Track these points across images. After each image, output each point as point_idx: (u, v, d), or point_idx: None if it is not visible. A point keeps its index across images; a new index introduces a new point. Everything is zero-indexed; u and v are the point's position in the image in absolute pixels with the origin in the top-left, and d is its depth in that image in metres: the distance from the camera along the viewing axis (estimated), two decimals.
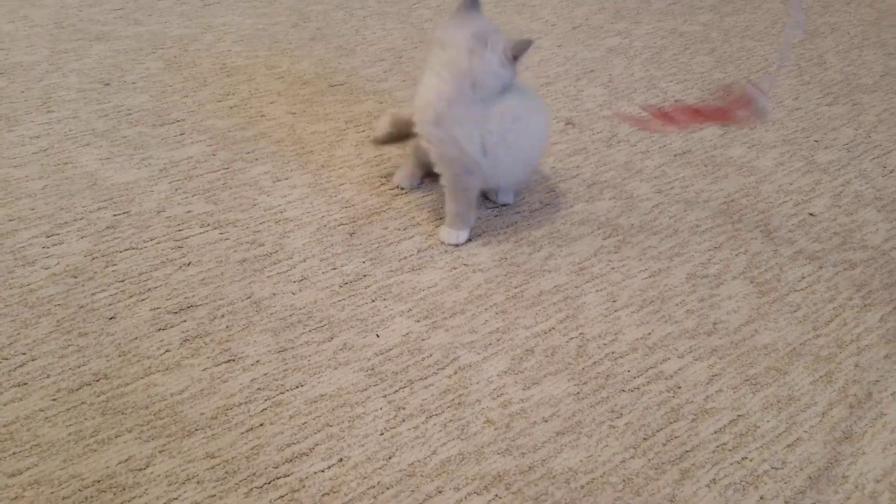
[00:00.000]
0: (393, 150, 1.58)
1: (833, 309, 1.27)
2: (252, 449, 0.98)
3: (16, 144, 1.52)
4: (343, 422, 1.03)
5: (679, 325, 1.22)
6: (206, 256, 1.28)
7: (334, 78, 1.85)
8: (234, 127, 1.63)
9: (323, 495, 0.94)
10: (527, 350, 1.16)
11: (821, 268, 1.36)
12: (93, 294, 1.19)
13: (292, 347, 1.13)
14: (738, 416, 1.08)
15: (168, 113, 1.66)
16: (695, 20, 2.31)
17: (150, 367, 1.08)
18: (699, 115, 1.25)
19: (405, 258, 1.31)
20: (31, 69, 1.78)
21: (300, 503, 0.93)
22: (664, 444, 1.03)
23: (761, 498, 0.97)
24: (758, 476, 1.00)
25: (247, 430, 1.01)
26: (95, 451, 0.96)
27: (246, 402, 1.04)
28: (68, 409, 1.01)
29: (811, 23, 2.34)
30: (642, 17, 2.31)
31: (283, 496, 0.93)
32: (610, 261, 1.34)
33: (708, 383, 1.12)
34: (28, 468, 0.94)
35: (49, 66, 1.79)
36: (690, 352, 1.17)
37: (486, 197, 1.45)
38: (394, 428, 1.03)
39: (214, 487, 0.93)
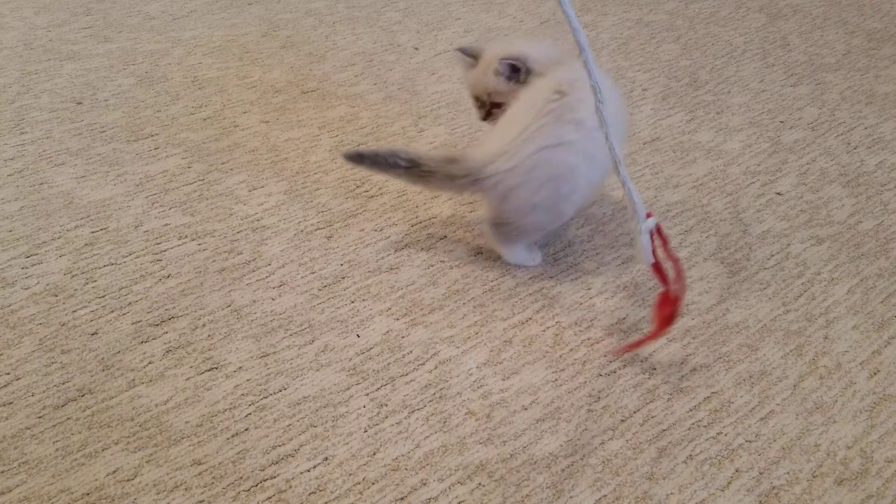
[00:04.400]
0: None
1: (802, 284, 1.30)
2: (238, 453, 1.00)
3: None
4: (327, 422, 1.05)
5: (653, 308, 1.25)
6: (185, 268, 1.29)
7: (306, 85, 1.87)
8: (208, 139, 1.64)
9: (310, 494, 0.96)
10: (505, 341, 1.18)
11: (789, 245, 1.39)
12: (74, 311, 1.20)
13: (274, 352, 1.15)
14: (712, 393, 1.11)
15: (142, 128, 1.67)
16: (660, 9, 2.34)
17: (133, 380, 1.09)
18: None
19: (382, 258, 1.33)
20: (2, 92, 1.78)
21: (287, 503, 0.95)
22: (641, 425, 1.06)
23: (737, 471, 1.00)
24: (733, 450, 1.03)
25: (232, 436, 1.02)
26: (83, 464, 0.98)
27: (230, 409, 1.06)
28: (54, 426, 1.03)
29: (774, 5, 2.38)
30: (608, 8, 2.34)
31: (270, 497, 0.95)
32: (584, 250, 1.37)
33: (682, 363, 1.15)
34: (17, 486, 0.95)
35: (20, 88, 1.80)
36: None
37: None
38: (377, 425, 1.05)
39: (202, 493, 0.95)
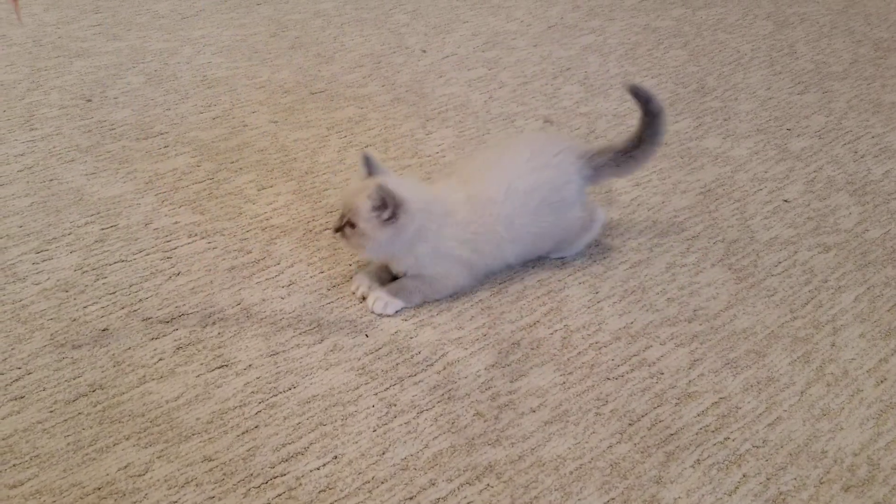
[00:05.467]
0: (376, 154, 1.60)
1: (809, 291, 1.31)
2: (248, 450, 1.01)
3: (0, 163, 1.53)
4: (336, 420, 1.05)
5: (660, 313, 1.25)
6: (195, 266, 1.30)
7: (315, 85, 1.87)
8: (218, 138, 1.65)
9: (319, 492, 0.96)
10: (513, 343, 1.19)
11: (796, 252, 1.40)
12: (84, 307, 1.21)
13: (284, 351, 1.15)
14: (720, 398, 1.11)
15: (151, 126, 1.68)
16: (667, 15, 2.35)
17: (144, 376, 1.10)
18: None
19: None
20: (12, 88, 1.79)
21: (298, 500, 0.95)
22: (649, 429, 1.06)
23: (744, 476, 1.01)
24: (740, 455, 1.03)
25: (242, 433, 1.03)
26: (94, 459, 0.98)
27: (240, 406, 1.06)
28: (66, 420, 1.03)
29: (781, 13, 2.39)
30: (616, 13, 2.34)
31: (280, 494, 0.96)
32: (591, 254, 1.37)
33: (690, 368, 1.16)
34: (29, 479, 0.96)
35: (30, 84, 1.81)
36: (672, 339, 1.21)
37: None
38: (386, 424, 1.05)
39: (213, 489, 0.96)
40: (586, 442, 1.04)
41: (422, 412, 1.07)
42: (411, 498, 0.96)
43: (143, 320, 1.19)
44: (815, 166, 1.65)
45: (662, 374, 1.15)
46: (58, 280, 1.25)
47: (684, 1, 2.45)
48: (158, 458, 0.99)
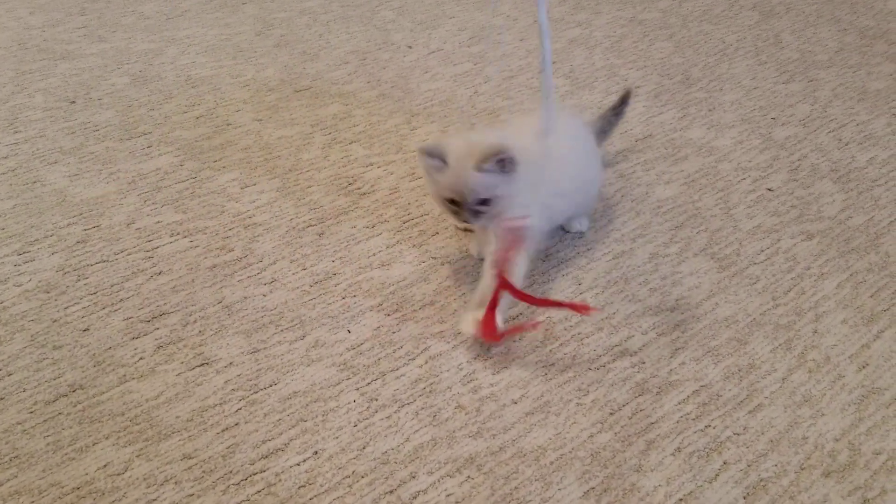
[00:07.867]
0: (360, 150, 1.61)
1: (791, 279, 1.31)
2: (228, 448, 1.01)
3: None
4: (317, 416, 1.05)
5: (642, 303, 1.25)
6: (176, 264, 1.30)
7: (299, 83, 1.87)
8: (201, 137, 1.65)
9: (299, 487, 0.96)
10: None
11: (779, 240, 1.39)
12: (66, 308, 1.21)
13: (265, 348, 1.15)
14: (701, 386, 1.11)
15: (135, 127, 1.67)
16: (653, 7, 2.35)
17: (125, 375, 1.10)
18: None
19: (374, 255, 1.33)
20: None
21: (277, 497, 0.95)
22: (630, 418, 1.06)
23: (724, 463, 1.01)
24: (721, 442, 1.03)
25: (222, 430, 1.03)
26: (74, 459, 0.98)
27: (221, 404, 1.06)
28: (45, 421, 1.03)
29: (767, 3, 2.39)
30: (602, 6, 2.34)
31: (259, 491, 0.96)
32: (575, 245, 1.37)
33: (671, 357, 1.16)
34: (8, 480, 0.96)
35: (14, 87, 1.81)
36: (654, 328, 1.20)
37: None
38: (367, 419, 1.05)
39: (192, 487, 0.96)
40: (567, 432, 1.04)
41: (403, 406, 1.07)
42: (391, 491, 0.96)
43: (125, 320, 1.19)
44: (800, 154, 1.64)
45: (644, 363, 1.14)
46: (39, 281, 1.25)
47: None
48: (138, 456, 0.99)
